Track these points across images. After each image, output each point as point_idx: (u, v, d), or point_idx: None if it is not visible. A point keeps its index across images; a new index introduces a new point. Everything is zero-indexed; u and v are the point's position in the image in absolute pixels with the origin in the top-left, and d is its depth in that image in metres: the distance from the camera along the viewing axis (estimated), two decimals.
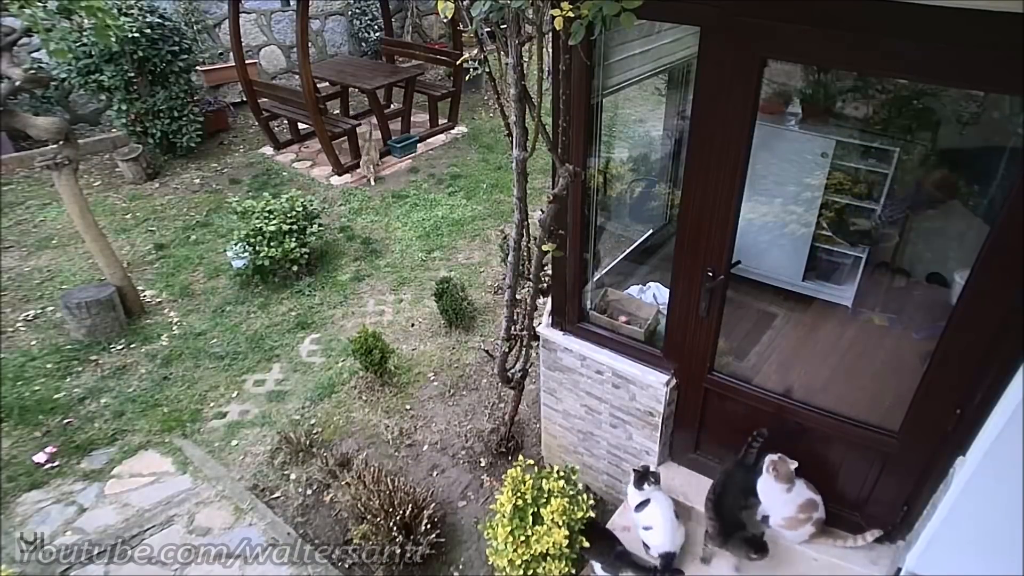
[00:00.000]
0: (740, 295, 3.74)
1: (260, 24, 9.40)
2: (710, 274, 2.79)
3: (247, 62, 7.88)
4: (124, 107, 7.16)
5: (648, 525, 3.08)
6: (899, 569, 2.64)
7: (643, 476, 3.12)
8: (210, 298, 5.68)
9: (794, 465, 2.86)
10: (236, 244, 5.64)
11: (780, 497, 2.90)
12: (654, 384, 3.17)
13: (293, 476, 4.07)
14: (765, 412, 2.99)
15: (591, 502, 3.24)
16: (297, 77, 7.57)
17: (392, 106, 8.81)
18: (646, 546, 3.13)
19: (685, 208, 2.78)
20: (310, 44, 7.74)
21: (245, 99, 8.11)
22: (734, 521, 2.93)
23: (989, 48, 1.88)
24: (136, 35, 6.72)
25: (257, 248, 5.52)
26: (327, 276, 5.94)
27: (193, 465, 4.16)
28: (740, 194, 2.59)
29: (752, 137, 2.46)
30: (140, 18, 6.89)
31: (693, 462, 3.39)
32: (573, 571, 3.10)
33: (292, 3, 6.67)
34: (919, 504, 2.71)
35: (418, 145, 8.29)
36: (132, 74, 6.98)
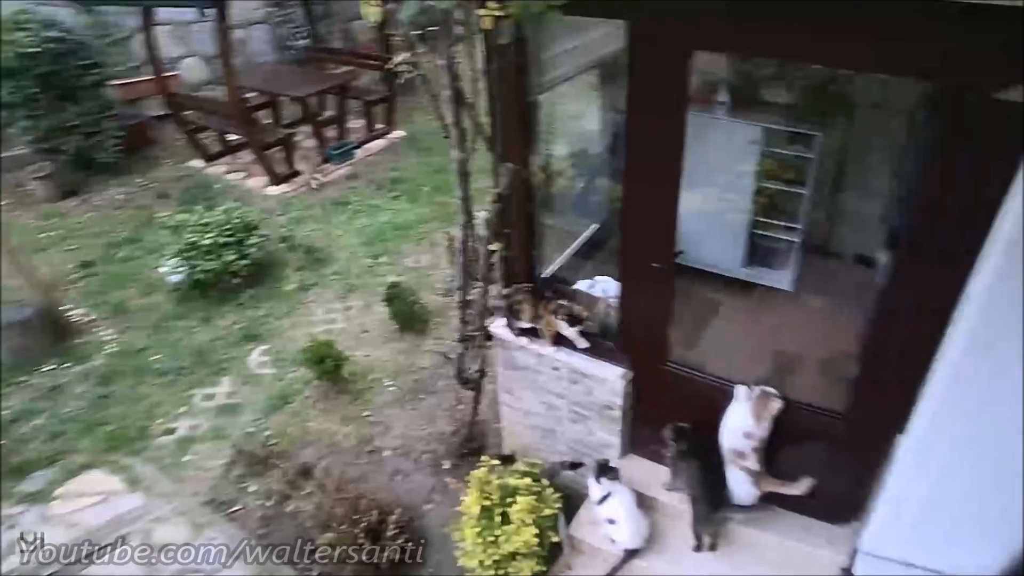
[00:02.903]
0: (687, 285, 3.79)
1: (178, 35, 9.03)
2: (656, 266, 2.83)
3: (167, 74, 7.65)
4: (28, 124, 6.84)
5: (612, 518, 3.13)
6: (856, 549, 2.72)
7: (602, 469, 3.16)
8: (147, 314, 5.55)
9: (775, 406, 2.86)
10: (170, 259, 5.54)
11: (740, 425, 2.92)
12: (610, 378, 3.20)
13: (252, 488, 4.02)
14: (719, 399, 3.01)
15: (558, 495, 3.27)
16: (222, 88, 7.35)
17: (326, 113, 8.64)
18: (612, 541, 3.17)
19: (627, 201, 2.81)
20: (235, 54, 7.55)
21: (168, 112, 7.84)
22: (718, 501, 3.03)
23: (892, 35, 1.96)
24: (36, 50, 6.44)
25: (194, 262, 5.41)
26: (272, 287, 5.85)
27: (144, 483, 4.06)
28: (678, 184, 2.63)
29: (685, 127, 2.49)
30: (38, 33, 6.57)
31: (654, 453, 3.40)
32: (544, 568, 3.12)
33: (209, 14, 6.52)
34: (870, 484, 2.77)
35: (356, 151, 8.17)
36: (35, 90, 6.67)
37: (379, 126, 8.63)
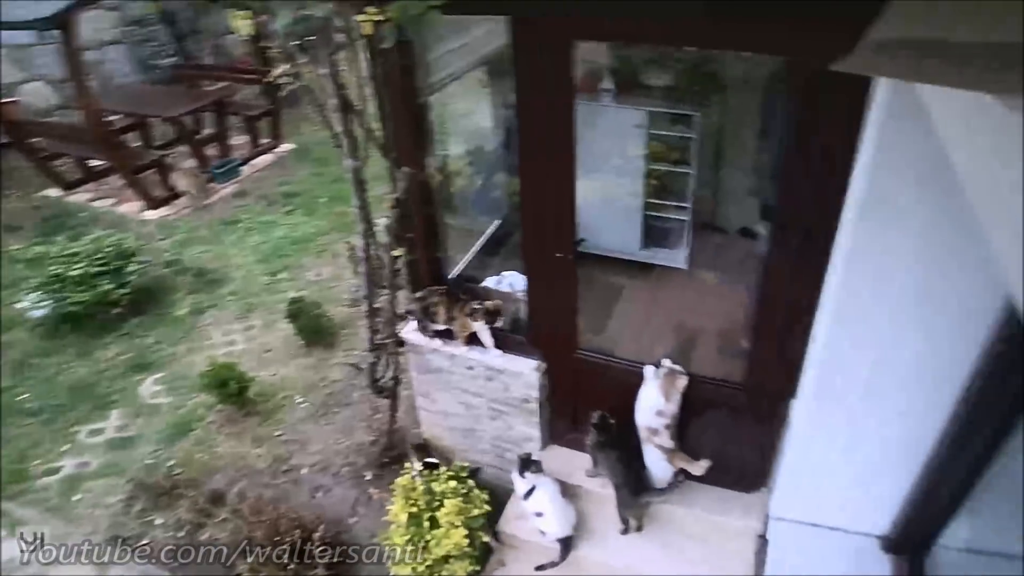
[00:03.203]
0: (590, 271, 3.86)
1: (14, 59, 8.24)
2: (559, 256, 2.86)
3: (5, 100, 7.13)
4: None
5: (539, 511, 3.15)
6: (768, 515, 2.82)
7: (525, 463, 3.17)
8: (7, 352, 5.12)
9: (682, 384, 2.93)
10: (31, 293, 5.19)
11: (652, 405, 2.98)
12: (524, 371, 3.23)
13: (159, 521, 3.81)
14: (631, 382, 3.05)
15: (486, 497, 3.26)
16: (80, 112, 6.79)
17: (205, 132, 8.20)
18: (542, 533, 3.19)
19: (525, 194, 2.83)
20: (91, 75, 7.04)
21: (9, 141, 7.24)
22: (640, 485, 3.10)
23: (745, 14, 2.04)
24: None
25: (62, 295, 5.08)
26: (161, 313, 5.53)
27: (29, 526, 3.77)
28: (573, 173, 2.65)
29: (574, 116, 2.52)
30: None
31: (574, 441, 3.44)
32: (478, 568, 3.11)
33: (51, 35, 6.05)
34: (774, 450, 2.90)
35: (242, 168, 7.84)
36: None
37: (265, 141, 8.34)
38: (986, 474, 2.05)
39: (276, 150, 8.36)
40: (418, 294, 3.29)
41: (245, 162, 7.96)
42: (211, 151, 7.78)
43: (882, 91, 1.72)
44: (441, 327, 3.32)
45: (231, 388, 4.31)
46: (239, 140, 8.23)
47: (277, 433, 4.36)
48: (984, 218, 0.80)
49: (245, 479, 4.04)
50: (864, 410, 2.27)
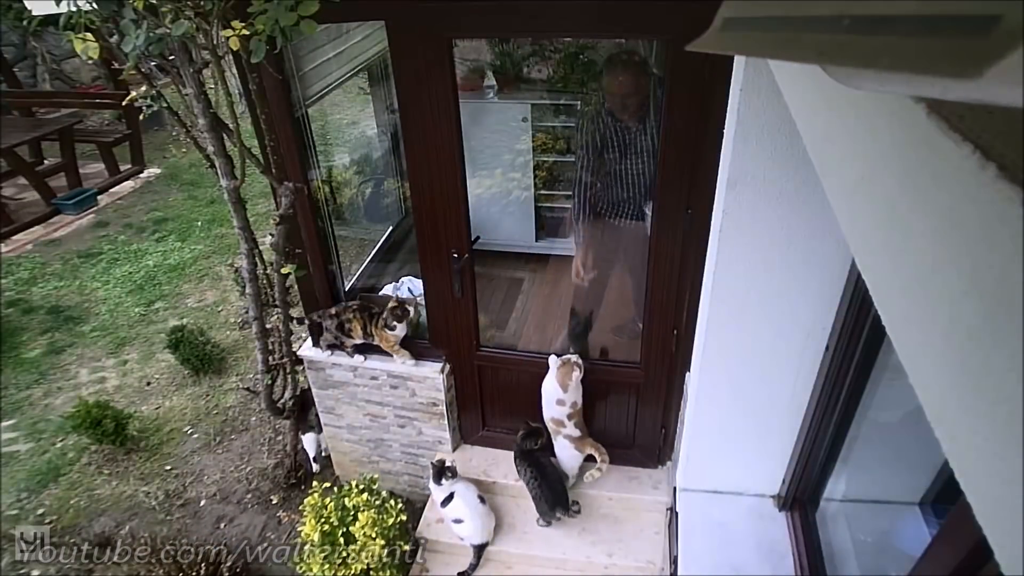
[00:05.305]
0: (488, 268, 3.90)
1: None
2: (455, 256, 2.87)
3: None
4: None
5: (458, 518, 3.13)
6: (675, 488, 2.88)
7: (440, 471, 3.13)
8: None
9: (577, 374, 2.96)
10: None
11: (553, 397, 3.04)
12: (430, 375, 3.21)
13: (35, 573, 3.48)
14: (535, 373, 3.10)
15: (400, 506, 3.21)
16: None
17: (49, 162, 7.54)
18: (461, 538, 3.18)
19: (416, 198, 2.81)
20: None
21: None
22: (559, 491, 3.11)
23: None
24: None
25: None
26: (6, 357, 5.03)
27: None
28: (463, 172, 2.66)
29: (459, 115, 2.53)
30: None
31: (485, 439, 3.48)
32: None
33: None
34: (673, 424, 3.02)
35: (99, 197, 7.29)
36: None
37: (126, 167, 7.82)
38: (852, 428, 2.18)
39: (139, 176, 7.87)
40: (332, 310, 3.19)
41: (103, 191, 7.42)
42: (60, 182, 7.17)
43: (739, 69, 1.80)
44: (359, 342, 3.23)
45: (106, 427, 4.00)
46: (94, 168, 7.68)
47: (167, 467, 4.09)
48: (827, 186, 0.86)
49: (135, 518, 3.77)
50: (746, 377, 2.36)
